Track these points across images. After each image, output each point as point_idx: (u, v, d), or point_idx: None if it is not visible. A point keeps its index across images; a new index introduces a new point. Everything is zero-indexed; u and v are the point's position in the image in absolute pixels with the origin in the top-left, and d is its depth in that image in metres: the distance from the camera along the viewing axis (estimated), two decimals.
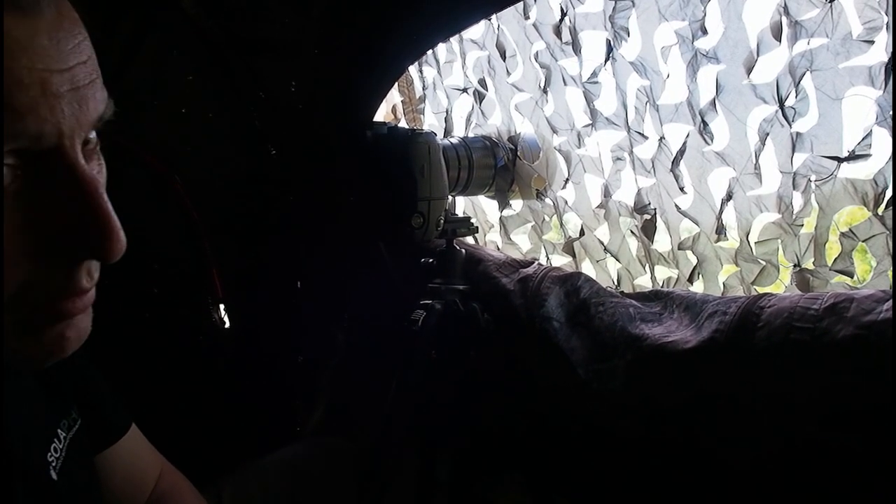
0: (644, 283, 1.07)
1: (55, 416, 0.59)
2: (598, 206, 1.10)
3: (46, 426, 0.57)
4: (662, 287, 1.01)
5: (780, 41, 0.78)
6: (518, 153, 1.18)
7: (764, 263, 0.88)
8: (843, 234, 0.77)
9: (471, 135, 1.25)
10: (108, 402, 0.72)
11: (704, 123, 0.89)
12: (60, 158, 0.37)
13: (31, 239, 0.36)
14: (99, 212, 0.38)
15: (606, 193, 1.08)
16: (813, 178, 0.79)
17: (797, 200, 0.82)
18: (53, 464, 0.56)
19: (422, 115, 1.43)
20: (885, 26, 0.70)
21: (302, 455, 1.08)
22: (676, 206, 0.97)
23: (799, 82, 0.77)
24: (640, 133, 0.98)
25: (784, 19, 0.77)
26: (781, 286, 0.87)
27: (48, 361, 0.41)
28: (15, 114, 0.34)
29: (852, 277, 0.78)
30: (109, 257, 0.38)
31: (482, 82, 1.24)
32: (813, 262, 0.82)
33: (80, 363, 0.67)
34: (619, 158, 1.04)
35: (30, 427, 0.55)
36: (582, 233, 1.14)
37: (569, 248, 1.17)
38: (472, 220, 1.13)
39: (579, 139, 1.09)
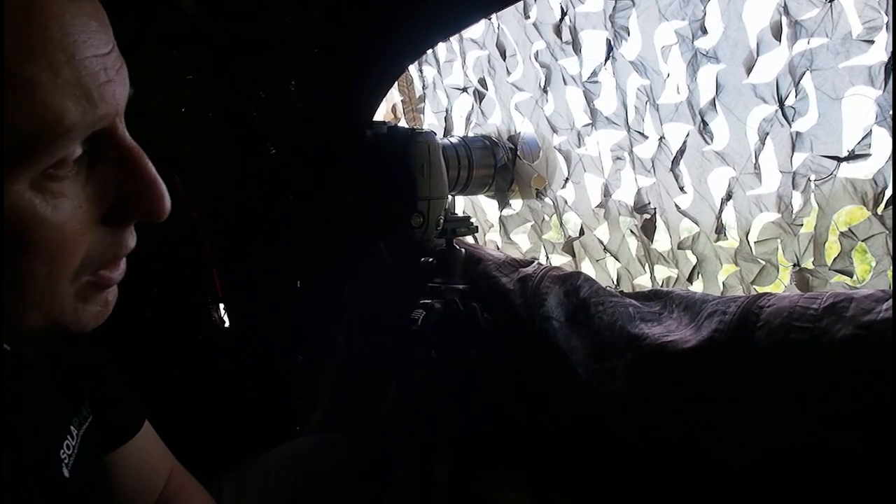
0: (644, 282, 1.07)
1: (68, 412, 0.59)
2: (597, 206, 1.10)
3: (60, 422, 0.58)
4: (662, 287, 1.01)
5: (779, 41, 0.78)
6: (518, 153, 1.18)
7: (763, 263, 0.88)
8: (842, 234, 0.77)
9: (471, 134, 1.25)
10: (122, 401, 0.72)
11: (704, 123, 0.89)
12: (112, 134, 0.40)
13: (99, 208, 0.41)
14: (150, 177, 0.42)
15: (606, 193, 1.08)
16: (813, 177, 0.79)
17: (797, 200, 0.82)
18: (66, 461, 0.56)
19: (422, 115, 1.43)
20: (884, 26, 0.70)
21: (303, 451, 1.08)
22: (676, 205, 0.97)
23: (799, 82, 0.78)
24: (640, 132, 0.98)
25: (784, 19, 0.77)
26: (781, 286, 0.87)
27: (94, 325, 0.44)
28: (92, 103, 0.37)
29: (852, 277, 0.78)
30: (161, 216, 0.43)
31: (482, 82, 1.24)
32: (812, 262, 0.82)
33: (97, 360, 0.67)
34: (619, 158, 1.04)
35: (43, 423, 0.55)
36: (582, 232, 1.14)
37: (568, 248, 1.17)
38: (472, 220, 1.13)
39: (579, 139, 1.09)
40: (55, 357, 0.61)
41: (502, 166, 1.18)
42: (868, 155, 0.74)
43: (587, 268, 1.15)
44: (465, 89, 1.29)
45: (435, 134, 1.03)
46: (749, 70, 0.82)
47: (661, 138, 0.95)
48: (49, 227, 0.37)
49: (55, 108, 0.35)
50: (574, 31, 1.02)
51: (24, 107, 0.34)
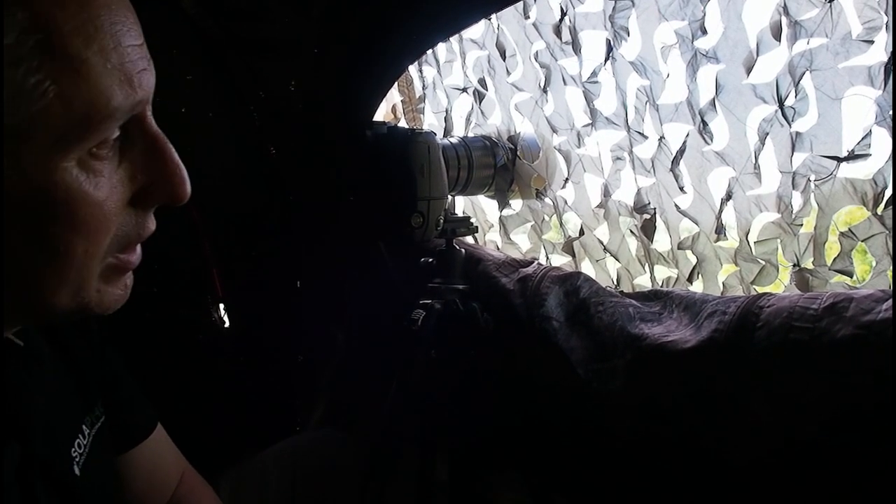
0: (643, 282, 1.07)
1: (81, 411, 0.59)
2: (597, 206, 1.10)
3: (72, 421, 0.57)
4: (662, 287, 1.01)
5: (779, 41, 0.78)
6: (518, 153, 1.19)
7: (763, 263, 0.88)
8: (842, 234, 0.77)
9: (470, 134, 1.25)
10: (135, 403, 0.72)
11: (704, 123, 0.89)
12: (142, 121, 0.44)
13: (128, 190, 0.43)
14: (174, 163, 0.45)
15: (606, 193, 1.08)
16: (812, 177, 0.79)
17: (797, 200, 0.82)
18: (77, 459, 0.55)
19: (421, 115, 1.43)
20: (884, 26, 0.70)
21: (301, 448, 1.08)
22: (676, 205, 0.97)
23: (798, 82, 0.78)
24: (639, 133, 0.98)
25: (784, 19, 0.77)
26: (781, 286, 0.87)
27: (115, 307, 0.47)
28: (132, 89, 0.40)
29: (852, 277, 0.78)
30: (182, 199, 0.46)
31: (482, 82, 1.24)
32: (812, 262, 0.82)
33: (110, 361, 0.67)
34: (618, 158, 1.04)
35: (55, 420, 0.55)
36: (581, 232, 1.14)
37: (568, 248, 1.17)
38: (472, 220, 1.13)
39: (579, 139, 1.09)
40: (70, 357, 0.61)
41: (502, 166, 1.18)
42: (868, 155, 0.74)
43: (587, 268, 1.15)
44: (464, 89, 1.29)
45: (435, 134, 1.03)
46: (749, 70, 0.82)
47: (661, 138, 0.95)
48: (91, 204, 0.40)
49: (104, 90, 0.38)
50: (574, 32, 1.02)
51: (80, 87, 0.37)
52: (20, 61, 0.35)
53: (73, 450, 0.55)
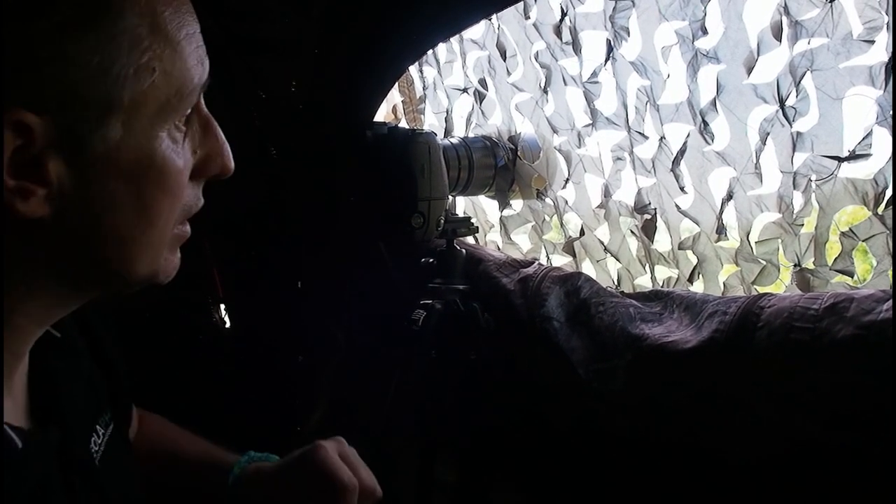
0: (644, 282, 1.07)
1: (96, 411, 0.60)
2: (598, 206, 1.10)
3: (90, 418, 0.58)
4: (662, 287, 1.01)
5: (780, 41, 0.78)
6: (518, 153, 1.18)
7: (764, 263, 0.88)
8: (843, 234, 0.77)
9: (471, 135, 1.25)
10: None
11: (705, 123, 0.89)
12: (198, 102, 0.48)
13: (192, 162, 0.47)
14: (223, 139, 0.50)
15: (607, 193, 1.08)
16: (813, 177, 0.79)
17: (797, 200, 0.82)
18: (95, 455, 0.56)
19: (422, 115, 1.43)
20: (885, 26, 0.70)
21: None
22: (677, 205, 0.97)
23: (799, 82, 0.78)
24: (640, 133, 0.98)
25: (784, 19, 0.77)
26: (782, 286, 0.87)
27: (172, 276, 0.50)
28: (204, 69, 0.45)
29: (852, 277, 0.78)
30: (230, 171, 0.51)
31: (482, 82, 1.24)
32: (813, 262, 0.82)
33: (117, 363, 0.68)
34: (619, 158, 1.04)
35: (82, 412, 0.56)
36: (582, 233, 1.14)
37: (569, 248, 1.17)
38: (473, 220, 1.13)
39: (579, 139, 1.09)
40: (93, 358, 0.62)
41: (503, 167, 1.18)
42: (869, 155, 0.74)
43: (588, 268, 1.15)
44: (465, 90, 1.29)
45: (435, 134, 1.03)
46: (749, 70, 0.82)
47: (662, 138, 0.95)
48: (177, 171, 0.45)
49: (191, 68, 0.44)
50: (574, 32, 1.02)
51: (177, 65, 0.42)
52: (140, 42, 0.40)
53: (90, 446, 0.56)
